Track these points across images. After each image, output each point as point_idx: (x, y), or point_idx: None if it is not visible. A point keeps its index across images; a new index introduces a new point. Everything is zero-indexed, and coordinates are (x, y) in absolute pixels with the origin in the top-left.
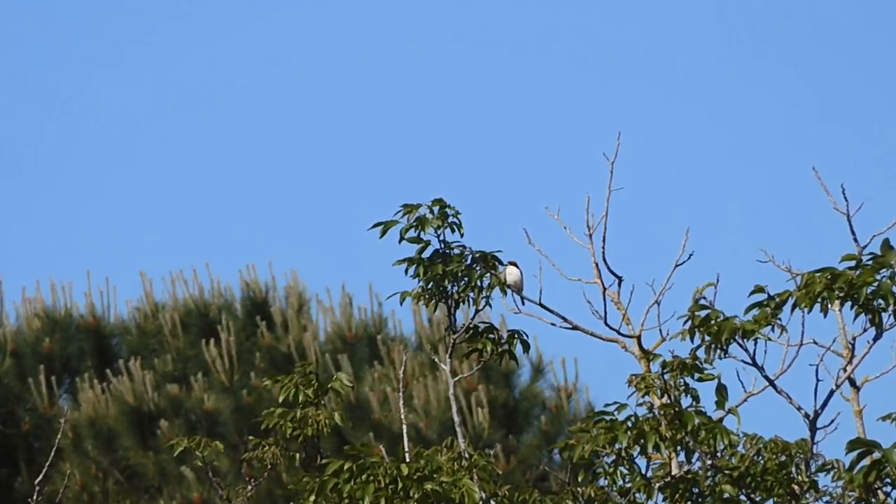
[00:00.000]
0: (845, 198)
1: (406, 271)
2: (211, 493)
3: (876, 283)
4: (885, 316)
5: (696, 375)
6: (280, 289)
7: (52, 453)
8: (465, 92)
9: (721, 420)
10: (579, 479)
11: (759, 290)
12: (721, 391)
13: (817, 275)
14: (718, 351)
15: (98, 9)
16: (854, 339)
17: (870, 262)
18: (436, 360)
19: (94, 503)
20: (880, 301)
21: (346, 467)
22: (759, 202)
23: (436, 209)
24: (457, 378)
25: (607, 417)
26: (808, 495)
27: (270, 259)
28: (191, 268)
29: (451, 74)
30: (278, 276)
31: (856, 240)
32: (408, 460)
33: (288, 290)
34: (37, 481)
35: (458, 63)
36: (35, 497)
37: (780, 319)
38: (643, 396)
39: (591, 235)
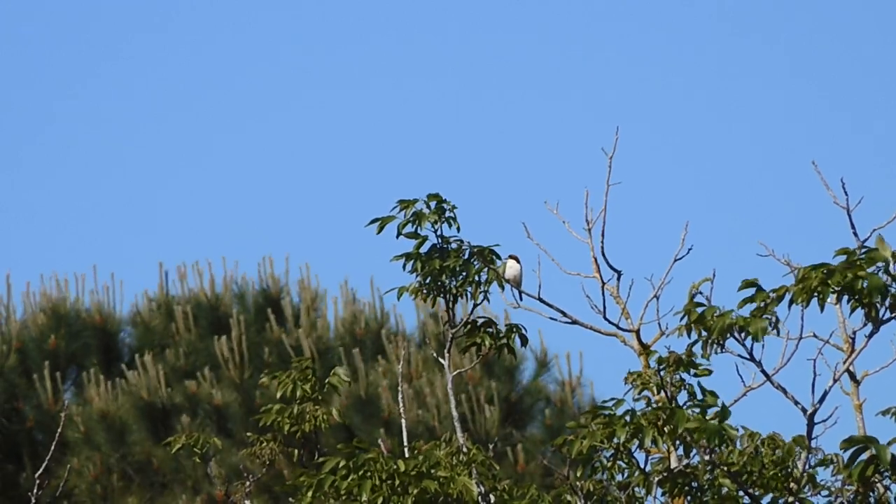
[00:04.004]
0: (845, 192)
1: (404, 267)
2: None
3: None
4: (881, 310)
5: (692, 371)
6: (294, 283)
7: (52, 447)
8: (465, 87)
9: (716, 417)
10: (578, 473)
11: (750, 284)
12: (711, 393)
13: (813, 270)
14: (715, 346)
15: (98, 5)
16: (854, 333)
17: (863, 257)
18: (434, 354)
19: (106, 497)
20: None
21: (342, 464)
22: (758, 196)
23: (432, 204)
24: (456, 372)
25: (605, 412)
26: (806, 490)
27: (287, 253)
28: (205, 261)
29: (451, 70)
30: (293, 270)
31: (856, 234)
32: (406, 456)
33: (301, 284)
34: (37, 475)
35: (457, 58)
36: (35, 490)
37: (776, 313)
38: (640, 392)
39: (589, 230)
